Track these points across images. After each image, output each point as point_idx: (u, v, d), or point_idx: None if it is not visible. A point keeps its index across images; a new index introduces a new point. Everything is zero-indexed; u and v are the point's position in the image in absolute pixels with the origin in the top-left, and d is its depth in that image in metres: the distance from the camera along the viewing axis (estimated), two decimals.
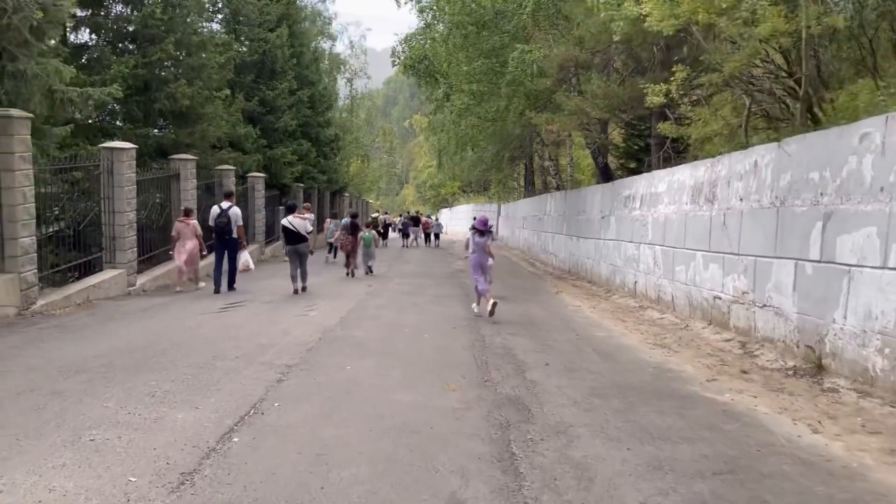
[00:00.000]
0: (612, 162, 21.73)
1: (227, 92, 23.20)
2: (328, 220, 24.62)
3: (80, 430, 4.72)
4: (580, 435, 4.93)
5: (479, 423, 5.13)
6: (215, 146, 18.54)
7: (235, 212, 12.59)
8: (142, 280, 13.27)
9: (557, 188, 27.32)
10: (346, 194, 42.60)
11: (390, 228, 34.89)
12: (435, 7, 23.88)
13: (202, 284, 13.50)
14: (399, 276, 17.40)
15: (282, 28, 25.21)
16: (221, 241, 12.65)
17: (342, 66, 46.80)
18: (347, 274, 16.72)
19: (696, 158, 15.35)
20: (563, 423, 5.23)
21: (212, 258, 13.59)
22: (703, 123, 11.95)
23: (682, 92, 12.14)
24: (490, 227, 10.83)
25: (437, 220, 42.13)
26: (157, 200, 15.46)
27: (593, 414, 5.54)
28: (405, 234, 34.20)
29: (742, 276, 8.91)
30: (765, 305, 8.27)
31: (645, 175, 13.55)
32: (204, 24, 18.42)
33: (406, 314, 10.79)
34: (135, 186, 12.79)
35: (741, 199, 9.09)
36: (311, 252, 13.26)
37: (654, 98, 12.01)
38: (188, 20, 16.35)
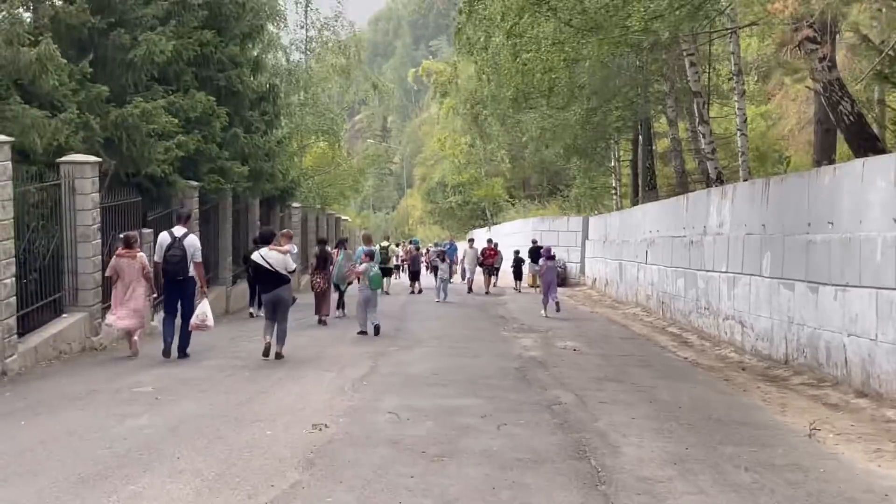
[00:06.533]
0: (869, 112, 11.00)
1: None
2: (336, 249, 14.73)
3: None
4: None
5: None
6: None
7: (193, 242, 10.11)
8: None
9: (718, 179, 14.98)
10: (296, 205, 23.70)
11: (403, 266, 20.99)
12: None
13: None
14: (388, 380, 8.15)
15: None
16: (174, 285, 10.15)
17: None
18: (320, 322, 13.49)
19: None
20: None
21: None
22: None
23: None
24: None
25: (436, 246, 25.25)
26: None
27: None
28: (414, 276, 21.68)
29: None
30: None
31: None
32: None
33: None
34: None
35: None
36: (295, 299, 10.29)
37: None
38: None
